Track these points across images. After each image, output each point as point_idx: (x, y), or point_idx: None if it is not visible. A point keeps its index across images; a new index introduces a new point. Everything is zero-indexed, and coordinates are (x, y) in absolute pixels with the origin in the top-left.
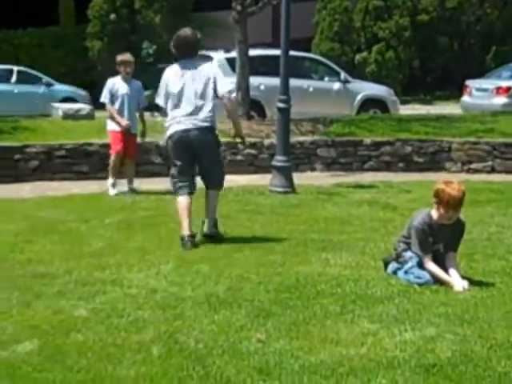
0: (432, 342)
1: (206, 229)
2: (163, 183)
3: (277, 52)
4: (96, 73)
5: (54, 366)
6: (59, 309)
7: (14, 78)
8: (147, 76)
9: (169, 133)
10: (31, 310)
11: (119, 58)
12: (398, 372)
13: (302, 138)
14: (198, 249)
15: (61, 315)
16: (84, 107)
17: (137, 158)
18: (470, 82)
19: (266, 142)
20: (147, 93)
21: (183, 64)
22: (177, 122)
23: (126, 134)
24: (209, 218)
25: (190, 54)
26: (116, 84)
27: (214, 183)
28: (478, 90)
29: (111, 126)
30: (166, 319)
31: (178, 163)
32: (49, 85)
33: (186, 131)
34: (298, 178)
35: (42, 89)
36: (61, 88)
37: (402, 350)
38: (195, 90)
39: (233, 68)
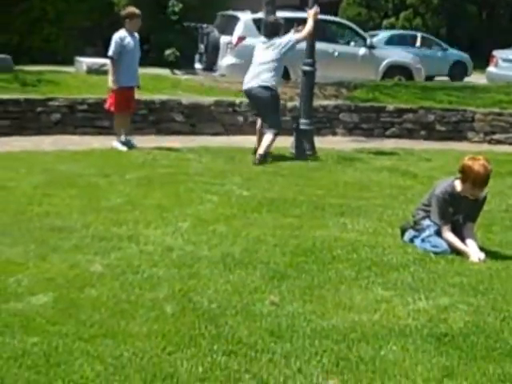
0: (445, 311)
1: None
2: (184, 141)
3: (304, 15)
4: (120, 28)
5: (67, 320)
6: (75, 263)
7: (418, 43)
8: (172, 34)
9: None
10: (47, 263)
11: (126, 11)
12: (409, 340)
13: (325, 102)
14: (215, 208)
15: (76, 269)
16: (108, 62)
17: (135, 110)
18: (496, 53)
19: (289, 104)
20: (168, 52)
21: (268, 39)
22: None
23: (130, 90)
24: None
25: (273, 35)
26: (125, 39)
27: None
28: (505, 60)
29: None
30: (181, 278)
31: None
32: (445, 49)
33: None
34: (320, 142)
35: (439, 53)
36: (453, 52)
37: (415, 318)
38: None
39: (259, 29)
